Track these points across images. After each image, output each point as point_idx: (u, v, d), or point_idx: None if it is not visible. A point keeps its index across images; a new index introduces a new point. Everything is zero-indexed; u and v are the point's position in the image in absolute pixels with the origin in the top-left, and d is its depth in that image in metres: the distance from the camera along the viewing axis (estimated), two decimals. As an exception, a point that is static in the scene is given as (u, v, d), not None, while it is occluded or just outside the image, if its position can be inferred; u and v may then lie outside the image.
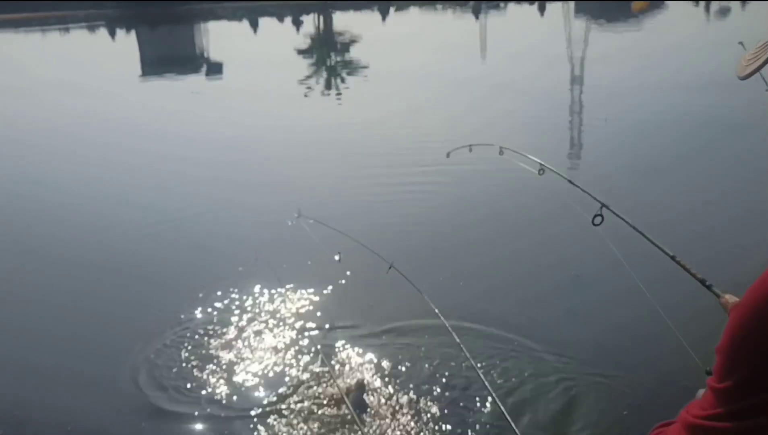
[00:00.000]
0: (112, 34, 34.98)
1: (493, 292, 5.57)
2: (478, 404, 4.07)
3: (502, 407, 3.47)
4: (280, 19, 37.75)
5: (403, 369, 4.50)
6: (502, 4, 40.45)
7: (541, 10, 35.72)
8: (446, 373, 4.40)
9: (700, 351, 4.65)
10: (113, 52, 28.06)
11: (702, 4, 33.45)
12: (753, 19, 26.52)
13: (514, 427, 3.20)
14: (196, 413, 4.21)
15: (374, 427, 3.95)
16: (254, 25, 35.60)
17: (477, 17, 34.54)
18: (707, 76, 14.20)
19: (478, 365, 4.16)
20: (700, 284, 1.83)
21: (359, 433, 3.86)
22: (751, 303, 0.94)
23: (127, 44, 31.26)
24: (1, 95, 17.90)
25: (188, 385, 4.48)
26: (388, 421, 4.01)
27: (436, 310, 3.43)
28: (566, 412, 4.03)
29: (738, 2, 30.97)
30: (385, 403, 4.16)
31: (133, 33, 35.03)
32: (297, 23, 35.75)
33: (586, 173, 8.59)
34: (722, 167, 8.56)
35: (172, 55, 26.63)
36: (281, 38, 29.85)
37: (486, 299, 5.39)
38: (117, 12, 41.99)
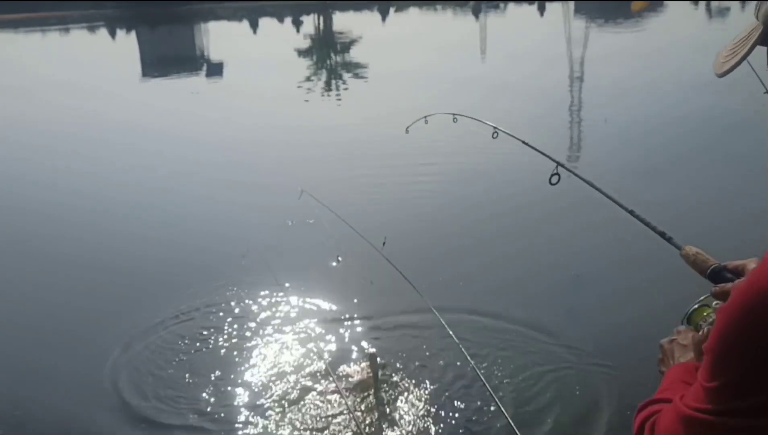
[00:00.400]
0: (112, 34, 34.97)
1: (488, 276, 5.57)
2: (478, 402, 4.07)
3: (500, 405, 3.47)
4: (280, 20, 37.76)
5: (398, 361, 4.50)
6: (501, 5, 40.45)
7: (541, 10, 35.73)
8: (440, 362, 4.41)
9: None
10: (113, 52, 28.07)
11: (702, 4, 33.45)
12: (751, 20, 26.47)
13: (512, 425, 3.20)
14: (196, 413, 4.21)
15: (374, 423, 3.95)
16: (254, 26, 35.60)
17: (477, 18, 34.54)
18: (706, 76, 14.18)
19: (480, 367, 4.16)
20: (660, 238, 1.87)
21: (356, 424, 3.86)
22: (740, 304, 0.93)
23: (127, 44, 31.26)
24: (0, 95, 17.91)
25: (188, 385, 4.48)
26: (387, 417, 4.01)
27: (436, 312, 3.43)
28: (563, 412, 4.03)
29: (738, 2, 30.97)
30: (385, 400, 4.16)
31: (133, 33, 35.02)
32: (297, 23, 35.76)
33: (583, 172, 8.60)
34: (721, 167, 8.57)
35: (172, 55, 26.63)
36: (281, 38, 29.85)
37: (482, 286, 5.40)
38: (117, 12, 41.98)
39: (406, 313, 5.07)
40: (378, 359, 4.23)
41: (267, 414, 4.15)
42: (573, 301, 5.38)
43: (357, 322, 5.15)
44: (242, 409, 4.21)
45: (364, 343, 4.81)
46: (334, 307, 5.37)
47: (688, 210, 7.08)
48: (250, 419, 4.12)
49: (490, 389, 3.27)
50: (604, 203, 2.25)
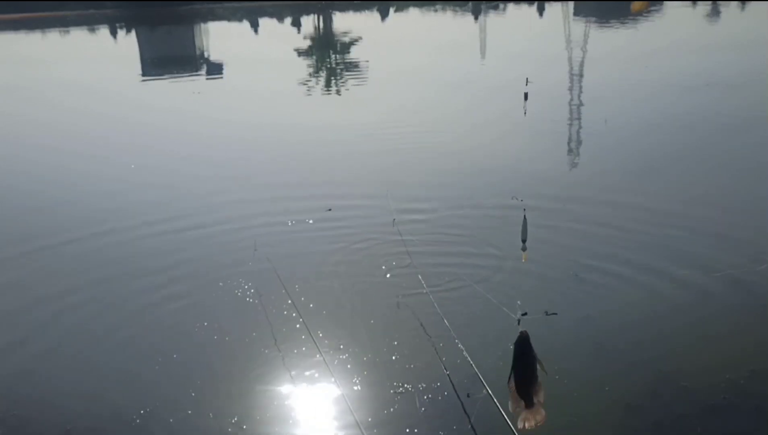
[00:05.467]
0: (113, 34, 34.97)
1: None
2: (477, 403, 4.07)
3: (496, 401, 3.47)
4: (280, 20, 37.77)
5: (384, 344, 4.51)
6: (501, 5, 40.46)
7: (540, 10, 35.75)
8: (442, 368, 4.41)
9: (695, 351, 4.67)
10: (113, 52, 28.05)
11: (699, 4, 33.46)
12: (752, 20, 26.55)
13: (510, 424, 3.20)
14: (196, 411, 4.21)
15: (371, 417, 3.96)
16: (254, 26, 35.61)
17: (476, 18, 34.56)
18: (705, 76, 14.23)
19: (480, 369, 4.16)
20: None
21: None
22: None
23: (127, 44, 31.26)
24: (0, 94, 17.92)
25: (187, 383, 4.48)
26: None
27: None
28: (563, 412, 4.03)
29: (737, 2, 31.01)
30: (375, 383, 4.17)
31: (133, 33, 35.03)
32: (297, 24, 35.76)
33: (586, 175, 8.62)
34: (722, 167, 8.58)
35: (172, 55, 26.62)
36: (281, 39, 29.85)
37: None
38: (117, 12, 41.99)
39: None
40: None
41: (262, 408, 4.16)
42: (573, 300, 5.38)
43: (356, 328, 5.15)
44: (240, 406, 4.21)
45: (359, 344, 4.82)
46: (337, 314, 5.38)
47: (689, 209, 7.09)
48: (250, 414, 4.12)
49: (485, 385, 3.27)
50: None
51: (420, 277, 5.17)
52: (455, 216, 7.19)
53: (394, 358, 4.64)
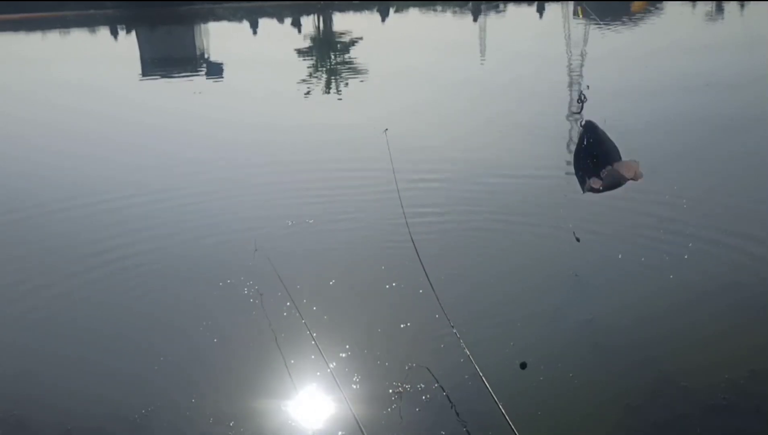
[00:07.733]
0: (113, 34, 34.96)
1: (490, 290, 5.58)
2: (475, 398, 4.07)
3: (495, 397, 3.47)
4: (280, 20, 37.75)
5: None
6: (501, 6, 40.43)
7: (540, 11, 35.71)
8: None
9: (695, 351, 4.67)
10: (113, 52, 28.05)
11: (698, 4, 33.44)
12: (751, 20, 26.54)
13: (511, 424, 3.20)
14: (195, 411, 4.21)
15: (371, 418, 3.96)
16: (254, 26, 35.58)
17: (476, 19, 34.53)
18: (705, 76, 14.23)
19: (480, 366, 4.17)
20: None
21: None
22: None
23: (127, 44, 31.25)
24: (1, 94, 17.93)
25: (188, 383, 4.48)
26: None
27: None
28: (563, 412, 4.03)
29: (737, 2, 31.00)
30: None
31: (133, 33, 35.02)
32: (297, 24, 35.74)
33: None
34: (722, 167, 8.58)
35: (172, 55, 26.61)
36: (281, 39, 29.84)
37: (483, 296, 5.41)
38: (117, 12, 41.95)
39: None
40: None
41: (265, 409, 4.16)
42: (569, 300, 5.38)
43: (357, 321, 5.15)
44: (241, 404, 4.22)
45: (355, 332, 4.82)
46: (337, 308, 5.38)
47: (688, 209, 7.10)
48: (251, 413, 4.12)
49: (489, 387, 3.27)
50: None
51: (427, 278, 5.18)
52: (467, 219, 7.18)
53: (394, 357, 4.64)
